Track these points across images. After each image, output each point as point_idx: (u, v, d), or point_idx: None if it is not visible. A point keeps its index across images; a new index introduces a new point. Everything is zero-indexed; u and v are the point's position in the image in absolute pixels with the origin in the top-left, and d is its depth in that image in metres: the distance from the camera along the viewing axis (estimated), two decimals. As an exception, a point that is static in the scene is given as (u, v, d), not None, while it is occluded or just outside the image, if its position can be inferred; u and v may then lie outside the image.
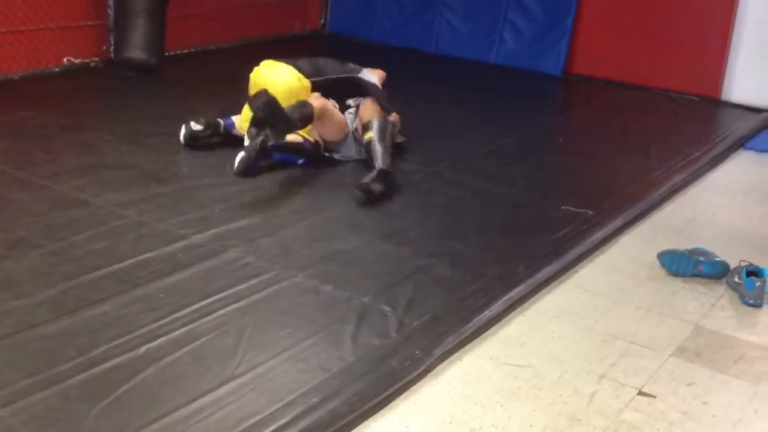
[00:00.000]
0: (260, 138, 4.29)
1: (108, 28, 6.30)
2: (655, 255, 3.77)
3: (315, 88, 4.66)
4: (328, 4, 8.51)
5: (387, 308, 3.15)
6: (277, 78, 4.56)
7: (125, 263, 3.31)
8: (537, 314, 3.32)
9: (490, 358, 2.98)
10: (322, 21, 8.55)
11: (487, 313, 3.20)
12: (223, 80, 6.26)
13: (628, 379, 2.88)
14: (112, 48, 6.29)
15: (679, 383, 2.88)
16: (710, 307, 3.44)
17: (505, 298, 3.32)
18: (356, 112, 4.73)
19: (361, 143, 4.59)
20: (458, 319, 3.12)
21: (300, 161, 4.57)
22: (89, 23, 6.28)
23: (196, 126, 4.68)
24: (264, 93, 4.04)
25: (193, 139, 4.68)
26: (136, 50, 6.13)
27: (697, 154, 5.30)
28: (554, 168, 4.97)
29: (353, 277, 3.38)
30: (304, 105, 4.32)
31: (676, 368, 2.97)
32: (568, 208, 4.28)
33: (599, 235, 4.01)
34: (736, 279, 3.53)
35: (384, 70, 5.19)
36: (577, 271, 3.70)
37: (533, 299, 3.41)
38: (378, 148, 4.35)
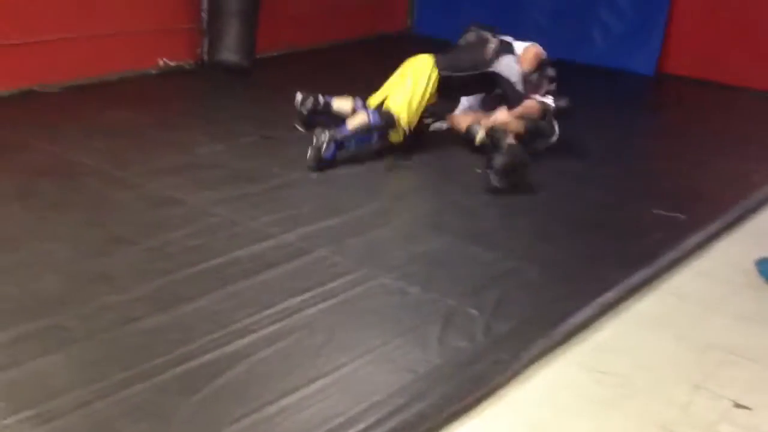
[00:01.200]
0: (329, 133, 4.43)
1: (201, 30, 6.45)
2: (752, 262, 3.63)
3: (444, 81, 4.72)
4: (415, 6, 8.51)
5: (474, 311, 3.13)
6: (416, 66, 4.75)
7: (218, 261, 3.38)
8: (629, 320, 3.24)
9: (580, 365, 2.92)
10: (409, 22, 8.55)
11: (577, 318, 3.15)
12: (311, 82, 6.29)
13: (724, 390, 2.78)
14: (205, 50, 6.44)
15: (778, 395, 2.77)
16: (812, 317, 3.30)
17: (596, 302, 3.26)
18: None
19: None
20: (547, 324, 3.08)
21: (374, 139, 4.62)
22: (184, 26, 6.44)
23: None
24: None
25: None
26: (229, 53, 6.26)
27: (799, 156, 5.09)
28: (645, 170, 4.86)
29: (440, 279, 3.37)
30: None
31: (775, 380, 2.86)
32: (660, 211, 4.16)
33: (693, 240, 3.89)
34: (841, 289, 3.37)
35: None
36: (671, 277, 3.60)
37: (625, 304, 3.33)
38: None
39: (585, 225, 4.03)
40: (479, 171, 4.52)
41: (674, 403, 2.70)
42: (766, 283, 3.56)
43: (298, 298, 3.13)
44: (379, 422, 2.48)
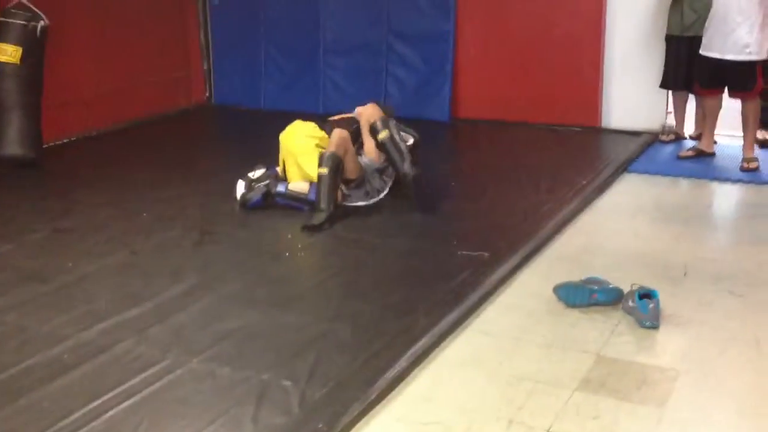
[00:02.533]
0: (265, 183, 4.96)
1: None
2: (551, 289, 3.80)
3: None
4: (212, 77, 8.46)
5: (288, 383, 3.06)
6: (298, 132, 5.15)
7: (7, 373, 3.12)
8: (442, 365, 3.28)
9: (399, 419, 2.92)
10: (207, 94, 8.49)
11: (392, 373, 3.14)
12: (107, 166, 6.14)
13: (536, 421, 2.86)
14: (-14, 146, 6.06)
15: (585, 418, 2.87)
16: (609, 334, 3.47)
17: (409, 353, 3.27)
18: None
19: (375, 189, 5.07)
20: (362, 384, 3.05)
21: (305, 209, 4.86)
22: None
23: (256, 173, 5.10)
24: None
25: (250, 190, 5.05)
26: (13, 146, 5.92)
27: (584, 182, 5.42)
28: (448, 213, 4.99)
29: (251, 355, 3.28)
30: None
31: (581, 402, 2.97)
32: (465, 252, 4.29)
33: (497, 275, 4.02)
34: (630, 303, 3.58)
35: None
36: (478, 315, 3.69)
37: (437, 350, 3.37)
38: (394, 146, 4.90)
39: (394, 276, 4.08)
40: (289, 237, 4.57)
41: (491, 442, 2.74)
42: (566, 307, 3.72)
43: (100, 400, 2.94)
44: None
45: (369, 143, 5.12)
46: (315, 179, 4.88)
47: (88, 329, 3.48)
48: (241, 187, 5.17)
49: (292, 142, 5.13)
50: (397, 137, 4.98)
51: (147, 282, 3.98)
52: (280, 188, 4.99)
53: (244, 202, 4.98)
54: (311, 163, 4.96)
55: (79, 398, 2.95)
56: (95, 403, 2.91)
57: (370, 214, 4.91)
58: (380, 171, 5.13)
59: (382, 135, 4.95)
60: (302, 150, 5.07)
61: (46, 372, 3.14)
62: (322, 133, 5.18)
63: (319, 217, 4.67)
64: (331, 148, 4.86)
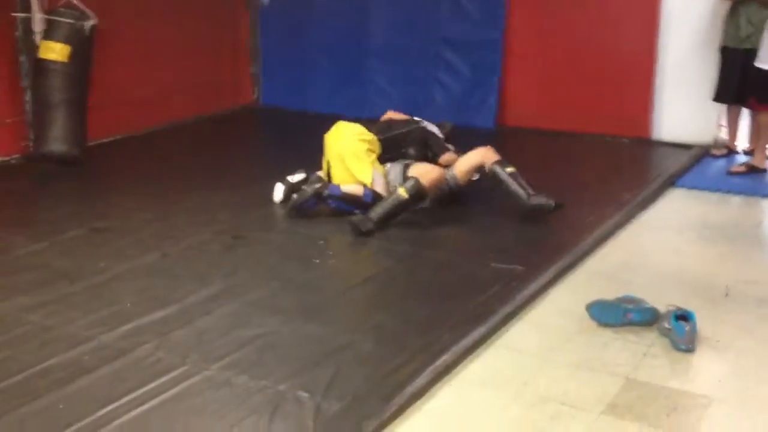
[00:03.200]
0: (317, 185, 4.81)
1: (27, 122, 6.18)
2: (584, 307, 3.67)
3: (384, 142, 5.09)
4: (260, 78, 8.49)
5: (304, 394, 3.00)
6: (347, 134, 5.01)
7: (26, 373, 3.12)
8: (464, 383, 3.19)
9: (415, 437, 2.83)
10: (255, 95, 8.52)
11: (411, 389, 3.05)
12: (148, 167, 6.17)
13: (557, 446, 2.75)
14: (32, 143, 6.16)
15: (608, 445, 2.75)
16: (642, 356, 3.33)
17: (430, 369, 3.18)
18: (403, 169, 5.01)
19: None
20: (380, 399, 2.98)
21: (356, 211, 4.73)
22: (6, 120, 6.15)
23: (295, 177, 5.11)
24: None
25: (293, 192, 5.00)
26: (57, 143, 6.01)
27: (629, 196, 5.26)
28: (485, 225, 4.87)
29: (270, 364, 3.23)
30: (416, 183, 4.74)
31: (606, 427, 2.84)
32: (498, 265, 4.18)
33: (529, 290, 3.90)
34: (666, 325, 3.43)
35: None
36: (507, 331, 3.58)
37: (460, 366, 3.27)
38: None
39: (422, 288, 4.00)
40: (321, 242, 4.52)
41: (508, 466, 2.64)
42: (598, 326, 3.59)
43: (113, 405, 2.91)
44: None
45: (465, 168, 5.03)
46: (365, 183, 4.84)
47: (111, 331, 3.47)
48: (279, 190, 5.14)
49: (340, 144, 5.01)
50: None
51: (174, 285, 3.96)
52: (334, 190, 4.84)
53: (295, 205, 4.82)
54: (363, 168, 4.88)
55: (94, 402, 2.92)
56: (108, 408, 2.89)
57: (407, 223, 4.82)
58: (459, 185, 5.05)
59: (510, 169, 4.91)
60: (353, 153, 4.95)
61: (65, 373, 3.13)
62: (371, 136, 5.07)
63: (367, 225, 4.57)
64: (425, 182, 4.74)
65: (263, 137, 7.72)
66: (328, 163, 5.06)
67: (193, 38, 7.68)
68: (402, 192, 4.68)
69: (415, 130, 5.32)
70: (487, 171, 4.97)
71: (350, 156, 4.94)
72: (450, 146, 5.37)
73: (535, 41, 7.12)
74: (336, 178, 5.00)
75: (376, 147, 5.03)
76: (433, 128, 5.48)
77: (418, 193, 4.69)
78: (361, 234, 4.55)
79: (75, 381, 3.08)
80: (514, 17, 7.12)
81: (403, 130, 5.28)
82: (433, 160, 5.18)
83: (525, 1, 7.08)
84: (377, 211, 4.65)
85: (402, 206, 4.69)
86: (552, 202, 4.72)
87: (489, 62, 7.28)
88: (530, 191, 4.79)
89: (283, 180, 5.18)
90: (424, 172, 4.83)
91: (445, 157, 5.19)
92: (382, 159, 5.07)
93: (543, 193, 4.78)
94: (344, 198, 4.81)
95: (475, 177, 5.14)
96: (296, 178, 5.19)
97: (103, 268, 4.16)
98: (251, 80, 8.46)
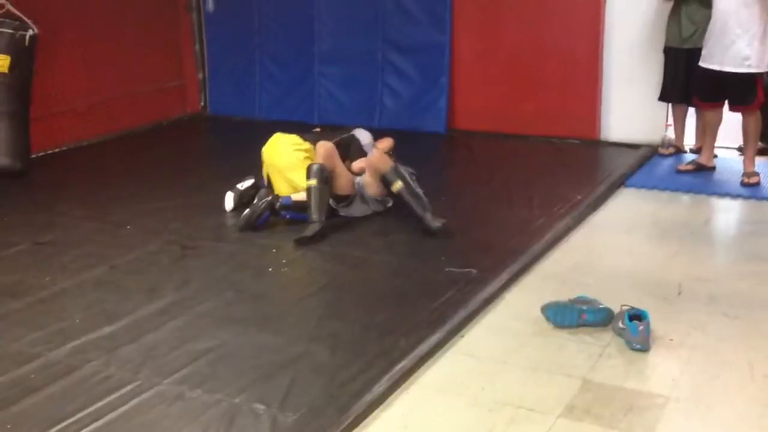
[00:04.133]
0: (268, 198, 4.80)
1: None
2: (539, 309, 3.67)
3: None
4: (207, 86, 8.38)
5: (260, 407, 2.95)
6: (282, 146, 5.06)
7: (-31, 395, 3.02)
8: (422, 389, 3.16)
9: (373, 447, 2.80)
10: (202, 103, 8.41)
11: (368, 397, 3.02)
12: (95, 177, 6.05)
13: (515, 450, 2.73)
14: (-27, 157, 5.99)
15: (567, 447, 2.75)
16: (597, 357, 3.34)
17: (387, 376, 3.15)
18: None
19: (367, 203, 4.97)
20: (337, 409, 2.94)
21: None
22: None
23: (244, 184, 5.09)
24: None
25: (243, 199, 5.03)
26: (-1, 156, 5.85)
27: (579, 197, 5.29)
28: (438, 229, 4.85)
29: (224, 377, 3.17)
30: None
31: (564, 430, 2.84)
32: (452, 269, 4.17)
33: (484, 294, 3.89)
34: (620, 325, 3.45)
35: None
36: (462, 336, 3.56)
37: (417, 373, 3.25)
38: (412, 196, 4.72)
39: (378, 294, 3.96)
40: (274, 251, 4.47)
41: (467, 473, 2.62)
42: (554, 327, 3.60)
43: (62, 425, 2.83)
44: None
45: (373, 185, 4.93)
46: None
47: (59, 348, 3.38)
48: (229, 198, 5.08)
49: (277, 157, 5.03)
50: (413, 184, 4.79)
51: (123, 298, 3.87)
52: (286, 200, 4.83)
53: (250, 221, 4.74)
54: (302, 177, 4.85)
55: (42, 422, 2.84)
56: (57, 428, 2.81)
57: (358, 230, 4.80)
58: (377, 199, 5.02)
59: (397, 186, 4.74)
60: (290, 164, 4.98)
61: (12, 393, 3.04)
62: (308, 145, 5.08)
63: (312, 228, 4.57)
64: (318, 160, 4.77)
65: (212, 145, 7.61)
66: (268, 175, 5.08)
67: (139, 46, 7.56)
68: (310, 182, 4.67)
69: (347, 138, 5.36)
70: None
71: (288, 168, 4.97)
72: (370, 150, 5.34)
73: (481, 44, 7.13)
74: (278, 189, 5.00)
75: (313, 154, 5.00)
76: (363, 136, 5.48)
77: (322, 173, 4.70)
78: (311, 240, 4.53)
79: (22, 400, 2.99)
80: (459, 20, 7.13)
81: (336, 139, 5.25)
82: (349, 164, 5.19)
83: (470, 4, 7.08)
84: (309, 211, 4.64)
85: (318, 192, 4.65)
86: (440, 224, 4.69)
87: (437, 66, 7.28)
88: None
89: (232, 188, 5.12)
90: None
91: (356, 166, 5.16)
92: None
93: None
94: (296, 207, 4.79)
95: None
96: (245, 184, 5.16)
97: (49, 283, 4.06)
98: (198, 88, 8.36)
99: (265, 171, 5.09)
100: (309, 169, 4.74)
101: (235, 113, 8.10)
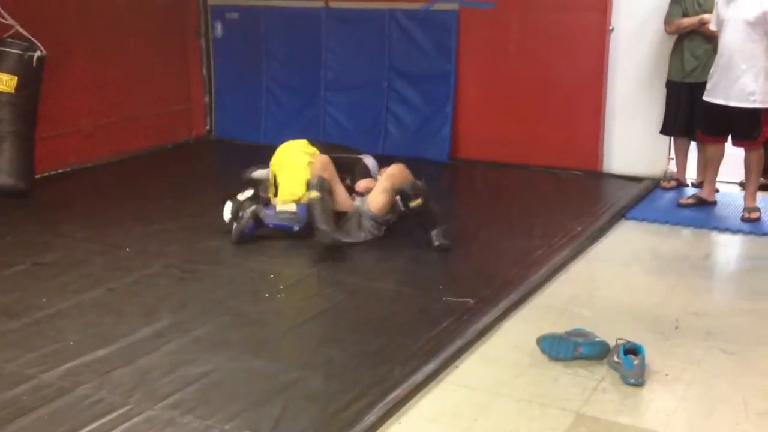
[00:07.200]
0: (251, 209, 4.86)
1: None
2: (535, 340, 3.66)
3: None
4: (213, 110, 8.43)
5: (250, 434, 2.93)
6: (293, 147, 5.23)
7: (-40, 416, 3.01)
8: (415, 419, 3.15)
9: (363, 477, 2.78)
10: (208, 127, 8.45)
11: (360, 426, 3.01)
12: (97, 199, 6.07)
13: (505, 484, 2.71)
14: (-23, 176, 6.02)
15: (557, 482, 2.72)
16: (592, 391, 3.32)
17: (380, 405, 3.14)
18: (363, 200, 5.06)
19: (363, 230, 4.97)
20: (328, 437, 2.92)
21: (296, 228, 4.89)
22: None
23: (244, 195, 5.10)
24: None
25: (240, 210, 5.01)
26: (3, 176, 5.88)
27: (580, 228, 5.30)
28: (436, 258, 4.85)
29: (216, 402, 3.15)
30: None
31: (556, 464, 2.82)
32: (449, 298, 4.16)
33: (480, 324, 3.88)
34: (615, 359, 3.43)
35: None
36: (457, 366, 3.55)
37: (411, 403, 3.23)
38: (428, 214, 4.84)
39: (374, 322, 3.95)
40: (271, 276, 4.48)
41: (456, 506, 2.60)
42: (549, 360, 3.58)
43: (51, 448, 2.82)
44: None
45: (380, 199, 4.94)
46: (297, 195, 4.93)
47: (52, 369, 3.37)
48: (227, 208, 5.09)
49: (286, 156, 5.19)
50: (431, 202, 4.89)
51: (119, 321, 3.87)
52: (269, 211, 4.95)
53: (239, 235, 4.87)
54: (298, 181, 4.93)
55: (31, 445, 2.83)
56: (46, 451, 2.80)
57: (357, 256, 4.80)
58: (377, 221, 5.01)
59: (415, 203, 4.81)
60: (294, 164, 5.09)
61: (2, 414, 3.04)
62: (314, 149, 5.21)
63: (326, 235, 4.61)
64: (317, 173, 4.84)
65: (216, 169, 7.64)
66: (274, 175, 5.21)
67: (146, 69, 7.62)
68: (312, 195, 4.76)
69: (352, 159, 5.43)
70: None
71: (289, 167, 5.09)
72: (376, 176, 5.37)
73: (486, 75, 7.18)
74: (282, 193, 5.10)
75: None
76: (370, 162, 5.53)
77: (322, 186, 4.78)
78: (334, 244, 4.64)
79: (13, 422, 2.98)
80: (464, 50, 7.18)
81: (342, 155, 5.37)
82: (351, 185, 5.26)
83: (475, 34, 7.14)
84: (317, 223, 4.67)
85: (322, 203, 4.73)
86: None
87: (442, 95, 7.32)
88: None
89: (232, 198, 5.17)
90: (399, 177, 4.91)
91: (362, 184, 5.22)
92: None
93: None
94: (279, 218, 4.93)
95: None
96: (245, 195, 5.22)
97: (46, 304, 4.06)
98: (204, 112, 8.41)
99: (272, 171, 5.23)
100: (309, 183, 4.80)
101: (240, 137, 8.14)
